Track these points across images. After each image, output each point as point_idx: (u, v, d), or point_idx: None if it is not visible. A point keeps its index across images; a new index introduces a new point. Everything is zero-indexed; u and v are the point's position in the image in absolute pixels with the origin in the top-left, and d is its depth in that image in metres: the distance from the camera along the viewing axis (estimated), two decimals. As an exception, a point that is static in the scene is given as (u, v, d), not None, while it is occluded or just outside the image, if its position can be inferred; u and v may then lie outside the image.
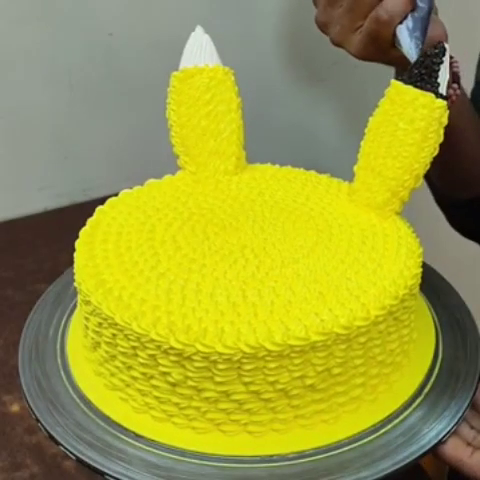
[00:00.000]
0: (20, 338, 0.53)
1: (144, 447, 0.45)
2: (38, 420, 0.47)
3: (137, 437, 0.46)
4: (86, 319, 0.49)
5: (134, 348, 0.45)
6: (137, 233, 0.51)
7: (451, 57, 0.53)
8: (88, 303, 0.47)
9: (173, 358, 0.43)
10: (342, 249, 0.49)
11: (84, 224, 0.52)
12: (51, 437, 0.46)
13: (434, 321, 0.54)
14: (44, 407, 0.47)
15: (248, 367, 0.43)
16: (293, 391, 0.44)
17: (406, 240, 0.50)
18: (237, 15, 1.11)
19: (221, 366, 0.43)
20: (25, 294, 0.97)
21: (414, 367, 0.50)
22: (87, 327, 0.49)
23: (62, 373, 0.50)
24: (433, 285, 0.56)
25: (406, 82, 0.50)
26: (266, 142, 1.05)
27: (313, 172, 0.58)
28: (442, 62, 0.50)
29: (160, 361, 0.44)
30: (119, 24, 1.17)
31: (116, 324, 0.45)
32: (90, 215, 0.53)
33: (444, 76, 0.50)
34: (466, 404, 0.47)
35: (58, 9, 1.13)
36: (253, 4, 1.11)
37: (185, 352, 0.43)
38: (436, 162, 0.51)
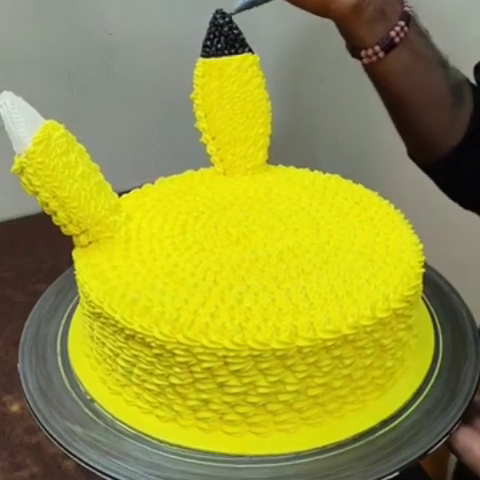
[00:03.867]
0: (20, 338, 0.53)
1: (146, 447, 0.45)
2: (38, 420, 0.47)
3: (139, 437, 0.45)
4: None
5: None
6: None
7: None
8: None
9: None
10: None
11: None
12: (51, 437, 0.46)
13: (434, 321, 0.54)
14: (44, 407, 0.47)
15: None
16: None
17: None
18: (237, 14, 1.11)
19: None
20: (25, 294, 0.96)
21: (414, 367, 0.50)
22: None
23: (63, 373, 0.50)
24: (433, 285, 0.56)
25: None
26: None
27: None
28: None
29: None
30: (119, 24, 1.17)
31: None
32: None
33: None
34: (466, 404, 0.47)
35: (58, 9, 1.13)
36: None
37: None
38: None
